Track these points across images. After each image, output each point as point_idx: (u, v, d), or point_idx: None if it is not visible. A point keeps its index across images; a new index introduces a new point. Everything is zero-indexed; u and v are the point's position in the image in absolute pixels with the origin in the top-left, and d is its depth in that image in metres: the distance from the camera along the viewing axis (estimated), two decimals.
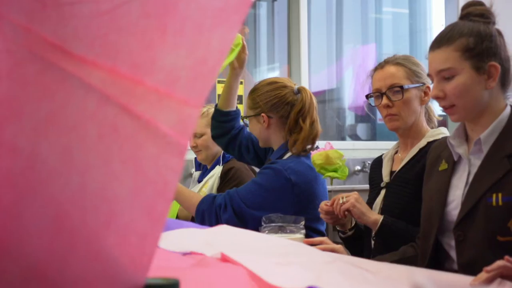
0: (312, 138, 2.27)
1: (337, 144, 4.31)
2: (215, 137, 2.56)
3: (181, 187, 2.32)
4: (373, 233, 1.87)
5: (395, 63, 1.97)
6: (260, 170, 2.28)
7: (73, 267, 0.73)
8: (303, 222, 1.81)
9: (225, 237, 1.54)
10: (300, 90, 2.32)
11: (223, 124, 2.48)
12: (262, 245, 1.43)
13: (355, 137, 4.80)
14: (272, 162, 2.26)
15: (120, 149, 0.74)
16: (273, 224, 1.79)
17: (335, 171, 1.93)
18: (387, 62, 1.98)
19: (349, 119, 4.94)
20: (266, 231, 1.76)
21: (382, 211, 1.93)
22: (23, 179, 0.68)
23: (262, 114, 2.30)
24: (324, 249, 1.57)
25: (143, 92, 0.75)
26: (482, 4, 1.58)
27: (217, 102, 4.03)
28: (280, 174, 2.18)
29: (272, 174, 2.20)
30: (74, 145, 0.71)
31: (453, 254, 1.53)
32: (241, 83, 4.25)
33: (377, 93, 1.98)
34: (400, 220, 1.84)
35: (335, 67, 4.94)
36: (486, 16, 1.56)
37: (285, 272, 1.08)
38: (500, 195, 1.44)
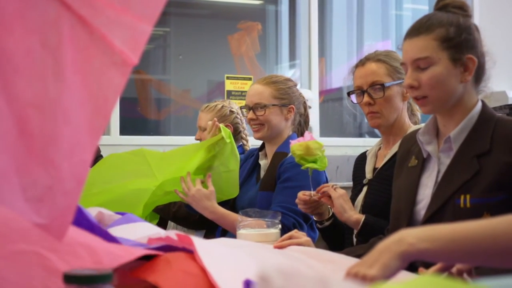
0: None
1: (345, 141, 4.29)
2: None
3: (227, 212, 2.28)
4: (355, 232, 1.86)
5: (376, 60, 1.94)
6: (285, 174, 2.23)
7: (32, 170, 0.75)
8: (279, 218, 1.81)
9: None
10: None
11: None
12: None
13: (373, 134, 4.76)
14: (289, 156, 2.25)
15: (73, 60, 0.77)
16: (250, 219, 1.79)
17: (314, 162, 1.90)
18: (368, 58, 1.96)
19: None
20: (242, 226, 1.77)
21: (363, 208, 1.91)
22: None
23: (292, 106, 2.33)
24: (290, 244, 1.56)
25: (101, 7, 0.77)
26: None
27: (225, 98, 4.03)
28: None
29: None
30: (36, 47, 0.74)
31: None
32: (250, 79, 4.26)
33: (359, 91, 1.97)
34: (381, 219, 1.83)
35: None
36: (464, 9, 1.54)
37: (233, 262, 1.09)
38: (468, 196, 1.42)
